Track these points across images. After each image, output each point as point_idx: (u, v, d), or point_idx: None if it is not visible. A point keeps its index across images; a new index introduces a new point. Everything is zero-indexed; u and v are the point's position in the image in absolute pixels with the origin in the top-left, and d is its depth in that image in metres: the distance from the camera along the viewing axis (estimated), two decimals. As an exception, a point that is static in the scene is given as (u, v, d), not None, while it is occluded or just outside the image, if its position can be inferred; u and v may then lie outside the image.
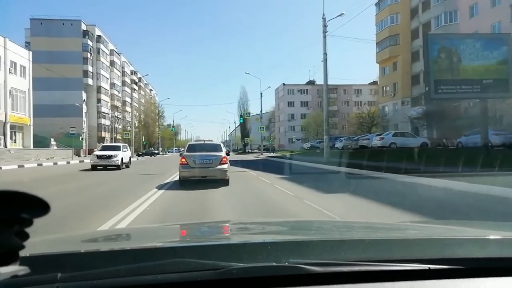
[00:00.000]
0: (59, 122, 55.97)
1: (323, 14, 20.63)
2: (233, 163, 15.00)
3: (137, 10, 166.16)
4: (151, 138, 79.11)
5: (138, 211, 6.57)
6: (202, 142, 13.64)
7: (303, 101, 74.35)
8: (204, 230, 2.08)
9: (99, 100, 68.45)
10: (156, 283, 0.90)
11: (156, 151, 68.62)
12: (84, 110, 63.45)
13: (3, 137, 33.70)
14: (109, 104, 73.45)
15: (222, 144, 12.53)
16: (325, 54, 20.46)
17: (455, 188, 9.03)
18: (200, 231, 2.05)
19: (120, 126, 73.98)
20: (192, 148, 11.59)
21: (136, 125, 76.91)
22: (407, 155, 18.16)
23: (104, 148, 21.76)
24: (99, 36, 68.80)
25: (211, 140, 16.22)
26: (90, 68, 65.99)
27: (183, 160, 10.52)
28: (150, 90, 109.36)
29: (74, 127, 33.07)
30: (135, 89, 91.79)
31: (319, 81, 70.57)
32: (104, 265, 0.97)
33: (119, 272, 0.93)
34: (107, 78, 72.67)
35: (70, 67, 61.70)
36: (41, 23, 62.87)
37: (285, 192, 9.36)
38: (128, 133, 47.68)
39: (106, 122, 71.07)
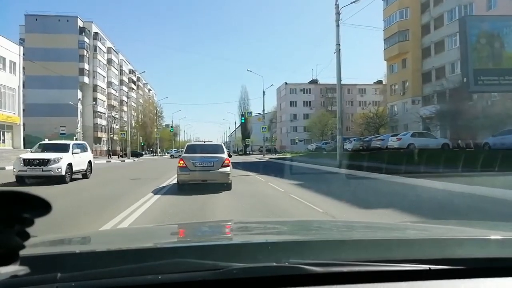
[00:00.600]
0: (54, 122, 53.90)
1: (336, 1, 18.59)
2: (235, 165, 13.01)
3: (136, 8, 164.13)
4: (149, 139, 76.97)
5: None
6: (202, 143, 12.76)
7: (306, 101, 72.18)
8: (204, 230, 2.06)
9: (95, 99, 66.41)
10: (156, 283, 0.90)
11: (141, 152, 64.07)
12: (80, 109, 61.64)
13: (-10, 137, 31.60)
14: (106, 104, 71.42)
15: (223, 145, 11.61)
16: (338, 44, 18.48)
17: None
18: (200, 231, 2.02)
19: (118, 127, 71.91)
20: (191, 149, 10.68)
21: (134, 125, 75.01)
22: (433, 158, 16.19)
23: (43, 147, 14.09)
24: (96, 33, 66.82)
25: (211, 141, 15.23)
26: (86, 66, 63.99)
27: (182, 162, 9.71)
28: (149, 89, 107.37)
29: (64, 126, 30.97)
30: (133, 89, 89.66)
31: (322, 80, 68.51)
32: (104, 265, 0.96)
33: (119, 272, 0.93)
34: (104, 77, 70.69)
35: (65, 64, 59.71)
36: (36, 19, 60.92)
37: (309, 207, 7.27)
38: (124, 133, 45.48)
39: (102, 122, 69.03)
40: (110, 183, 13.05)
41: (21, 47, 41.69)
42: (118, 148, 64.65)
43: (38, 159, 12.41)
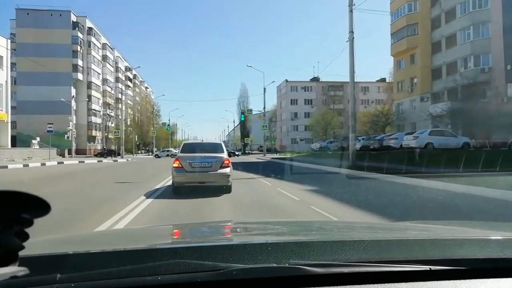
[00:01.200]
0: (47, 120, 51.51)
1: (349, -16, 16.62)
2: (234, 166, 11.12)
3: (132, 3, 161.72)
4: (145, 138, 74.87)
5: None
6: (200, 141, 12.04)
7: (307, 99, 70.11)
8: (204, 231, 2.04)
9: (89, 97, 64.29)
10: (156, 284, 0.90)
11: (116, 151, 56.21)
12: (73, 107, 59.45)
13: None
14: (100, 101, 69.27)
15: (222, 144, 10.61)
16: (352, 32, 16.55)
17: None
18: (200, 232, 2.01)
19: (113, 125, 69.80)
20: (188, 148, 9.82)
21: (129, 124, 72.96)
22: (457, 159, 14.21)
23: None
24: (90, 28, 64.63)
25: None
26: (80, 62, 61.82)
27: (177, 162, 8.88)
28: (146, 87, 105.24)
29: (52, 124, 28.77)
30: (129, 86, 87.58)
31: (324, 77, 66.56)
32: (103, 266, 0.96)
33: (118, 272, 0.93)
34: (99, 74, 68.53)
35: (58, 60, 57.60)
36: (28, 14, 58.75)
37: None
38: (117, 132, 43.33)
39: (97, 120, 66.92)
40: (85, 189, 10.99)
41: (9, 40, 39.49)
42: (113, 147, 62.73)
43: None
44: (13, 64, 60.12)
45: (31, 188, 7.65)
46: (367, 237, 1.54)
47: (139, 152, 76.98)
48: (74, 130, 48.43)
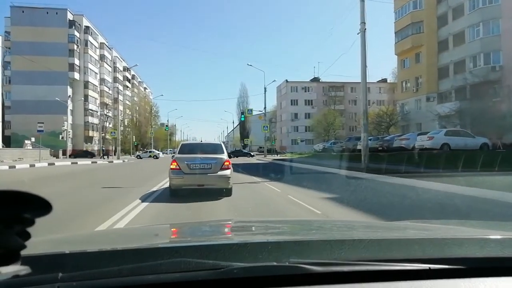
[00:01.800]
0: (42, 120, 50.41)
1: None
2: (234, 167, 9.97)
3: (130, 3, 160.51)
4: (144, 139, 73.57)
5: None
6: (199, 142, 11.42)
7: (307, 100, 68.87)
8: (204, 230, 2.04)
9: (86, 97, 63.03)
10: (157, 283, 0.91)
11: (91, 151, 56.05)
12: (70, 106, 58.16)
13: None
14: (98, 101, 67.99)
15: (222, 145, 9.98)
16: (363, 23, 15.36)
17: None
18: (200, 231, 2.01)
19: (111, 125, 68.48)
20: (186, 149, 9.30)
21: (126, 123, 71.67)
22: (480, 160, 13.05)
23: None
24: (87, 27, 63.39)
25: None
26: (76, 62, 60.59)
27: (175, 164, 8.42)
28: (145, 88, 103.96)
29: (43, 123, 27.44)
30: (127, 87, 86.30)
31: (324, 78, 65.35)
32: (105, 265, 0.96)
33: (120, 271, 0.93)
34: (96, 73, 67.26)
35: (54, 59, 56.39)
36: (23, 11, 57.58)
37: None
38: (114, 132, 42.06)
39: (94, 120, 65.64)
40: (65, 196, 9.74)
41: (1, 37, 38.28)
42: (111, 148, 61.47)
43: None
44: (7, 63, 59.12)
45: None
46: (366, 236, 1.54)
47: (137, 152, 75.82)
48: (69, 130, 47.24)
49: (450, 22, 34.31)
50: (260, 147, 61.12)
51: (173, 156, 9.31)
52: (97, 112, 66.87)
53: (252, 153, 52.50)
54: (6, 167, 21.09)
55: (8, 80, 59.25)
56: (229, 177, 8.41)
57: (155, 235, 1.87)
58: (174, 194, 8.36)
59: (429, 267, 1.00)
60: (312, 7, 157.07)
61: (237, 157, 43.74)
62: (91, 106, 64.55)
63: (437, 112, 31.85)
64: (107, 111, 69.17)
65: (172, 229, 2.09)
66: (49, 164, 25.80)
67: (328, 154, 30.28)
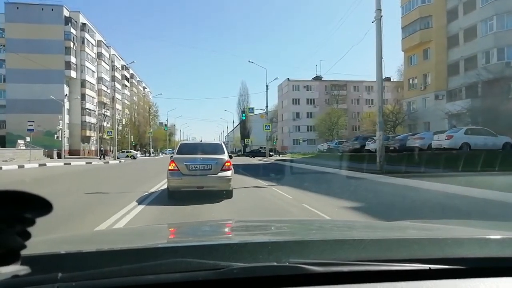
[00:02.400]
0: (38, 119, 49.04)
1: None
2: (235, 168, 9.22)
3: (130, 2, 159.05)
4: (142, 139, 72.13)
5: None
6: (198, 141, 11.15)
7: (309, 99, 67.33)
8: (205, 230, 2.04)
9: (83, 96, 61.54)
10: (157, 283, 0.91)
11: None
12: (66, 105, 56.68)
13: None
14: (95, 100, 66.52)
15: (223, 144, 9.49)
16: (379, 10, 13.99)
17: None
18: (201, 231, 2.00)
19: (109, 125, 67.04)
20: (185, 149, 8.95)
21: (124, 123, 70.30)
22: (507, 161, 11.70)
23: None
24: (83, 24, 61.89)
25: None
26: (73, 60, 59.07)
27: (173, 164, 8.15)
28: (144, 87, 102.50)
29: (33, 121, 26.00)
30: (126, 86, 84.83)
31: (327, 76, 63.93)
32: (104, 265, 0.96)
33: (120, 271, 0.93)
34: (93, 72, 65.78)
35: (50, 57, 54.94)
36: (18, 8, 56.10)
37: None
38: (111, 131, 40.59)
39: (91, 119, 64.19)
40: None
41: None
42: (109, 148, 60.03)
43: None
44: (2, 61, 57.66)
45: None
46: (366, 236, 1.53)
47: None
48: (64, 130, 45.78)
49: (460, 16, 32.87)
50: (261, 147, 59.76)
51: (171, 156, 8.83)
52: (94, 111, 65.44)
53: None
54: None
55: (3, 78, 57.87)
56: (230, 179, 8.12)
57: (155, 235, 1.86)
58: (172, 197, 8.05)
59: (429, 267, 1.00)
60: (312, 6, 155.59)
61: (254, 157, 46.44)
62: (88, 105, 63.09)
63: (448, 110, 30.44)
64: (105, 110, 67.65)
65: (172, 229, 2.08)
66: (40, 165, 24.36)
67: (334, 154, 28.82)
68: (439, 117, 31.66)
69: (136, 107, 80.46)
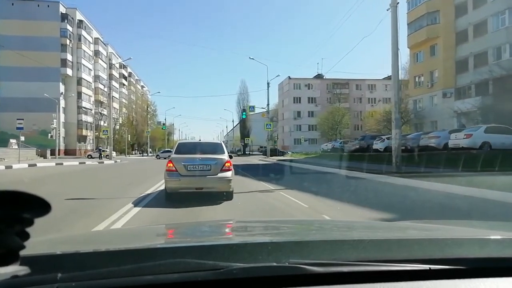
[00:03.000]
0: (33, 118, 47.82)
1: None
2: (235, 169, 8.76)
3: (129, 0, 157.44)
4: (140, 138, 70.81)
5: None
6: (197, 141, 10.99)
7: (310, 97, 66.04)
8: (204, 230, 2.02)
9: (80, 94, 60.22)
10: (156, 283, 0.91)
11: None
12: (62, 104, 55.39)
13: None
14: (92, 99, 65.21)
15: (223, 144, 9.14)
16: (395, -3, 12.65)
17: None
18: (200, 231, 1.99)
19: (106, 124, 65.75)
20: (183, 148, 8.61)
21: (121, 122, 68.99)
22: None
23: None
24: (80, 21, 60.56)
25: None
26: (69, 57, 57.75)
27: (170, 165, 7.79)
28: (142, 86, 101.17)
29: (22, 119, 24.78)
30: (124, 84, 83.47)
31: (328, 75, 62.58)
32: (104, 265, 0.97)
33: (119, 272, 0.94)
34: (90, 70, 64.45)
35: (45, 54, 53.62)
36: (12, 4, 54.83)
37: None
38: (106, 131, 39.27)
39: (88, 118, 62.87)
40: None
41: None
42: (106, 147, 58.75)
43: None
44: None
45: None
46: (366, 237, 1.53)
47: (133, 152, 73.20)
48: (60, 129, 44.52)
49: (470, 11, 31.64)
50: (261, 147, 58.49)
51: (169, 156, 8.54)
52: (91, 110, 64.12)
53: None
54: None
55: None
56: (231, 179, 7.91)
57: (154, 235, 1.85)
58: (169, 198, 7.84)
59: (429, 268, 1.00)
60: (312, 6, 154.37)
61: (271, 156, 44.30)
62: (84, 104, 61.78)
63: (457, 108, 29.23)
64: (102, 109, 66.29)
65: (171, 230, 2.07)
66: (29, 165, 23.10)
67: (339, 154, 27.54)
68: (447, 115, 30.48)
69: (134, 106, 79.14)
